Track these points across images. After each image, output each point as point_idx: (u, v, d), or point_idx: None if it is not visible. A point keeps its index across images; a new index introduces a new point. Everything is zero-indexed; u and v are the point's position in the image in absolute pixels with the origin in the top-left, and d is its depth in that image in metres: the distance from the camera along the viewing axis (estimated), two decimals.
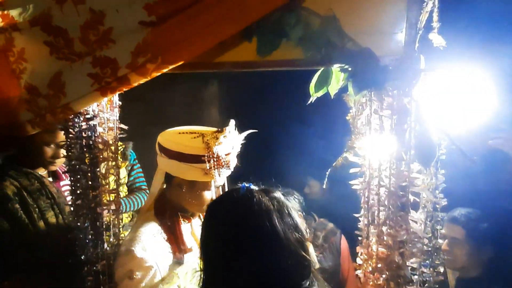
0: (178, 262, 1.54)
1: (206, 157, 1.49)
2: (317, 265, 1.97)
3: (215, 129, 1.57)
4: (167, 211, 1.60)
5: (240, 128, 1.63)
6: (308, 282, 1.01)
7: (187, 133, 1.54)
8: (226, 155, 1.54)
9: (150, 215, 1.60)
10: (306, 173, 2.76)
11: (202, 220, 1.18)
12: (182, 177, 1.56)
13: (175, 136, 1.55)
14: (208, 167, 1.49)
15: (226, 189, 1.62)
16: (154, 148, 1.63)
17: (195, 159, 1.50)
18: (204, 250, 1.10)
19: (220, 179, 1.57)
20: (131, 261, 1.44)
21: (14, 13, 1.39)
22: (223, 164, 1.52)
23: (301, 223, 1.05)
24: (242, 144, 1.66)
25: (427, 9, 0.97)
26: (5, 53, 1.42)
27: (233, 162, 1.62)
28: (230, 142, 1.56)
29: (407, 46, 0.98)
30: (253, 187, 1.10)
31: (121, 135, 1.59)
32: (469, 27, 1.59)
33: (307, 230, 2.19)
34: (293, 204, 2.32)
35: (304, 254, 1.00)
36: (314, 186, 2.84)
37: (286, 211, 1.02)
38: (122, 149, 2.43)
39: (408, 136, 0.98)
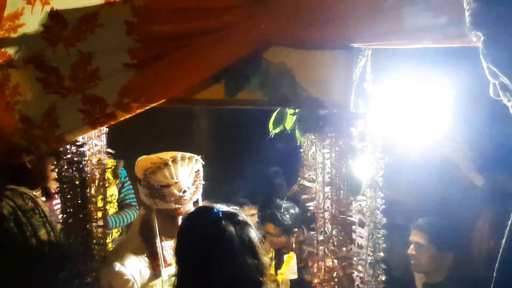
0: (156, 275, 1.68)
1: (142, 183, 1.62)
2: (296, 276, 2.13)
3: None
4: (150, 228, 1.72)
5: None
6: None
7: (155, 157, 1.64)
8: (162, 186, 1.58)
9: (135, 231, 1.75)
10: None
11: (178, 229, 1.35)
12: (140, 195, 1.70)
13: (144, 158, 1.68)
14: (144, 193, 1.62)
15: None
16: None
17: (139, 182, 1.65)
18: (177, 258, 1.29)
19: (183, 207, 1.65)
20: (110, 273, 1.60)
21: (10, 51, 1.51)
22: (157, 195, 1.60)
23: (259, 246, 1.23)
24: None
25: (361, 65, 1.17)
26: (1, 87, 1.56)
27: (185, 194, 1.63)
28: (174, 175, 1.59)
29: (344, 95, 1.18)
30: (223, 209, 1.26)
31: (109, 157, 1.75)
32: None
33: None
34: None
35: (257, 276, 1.18)
36: None
37: (247, 238, 1.20)
38: (113, 168, 2.52)
39: (344, 170, 1.17)
